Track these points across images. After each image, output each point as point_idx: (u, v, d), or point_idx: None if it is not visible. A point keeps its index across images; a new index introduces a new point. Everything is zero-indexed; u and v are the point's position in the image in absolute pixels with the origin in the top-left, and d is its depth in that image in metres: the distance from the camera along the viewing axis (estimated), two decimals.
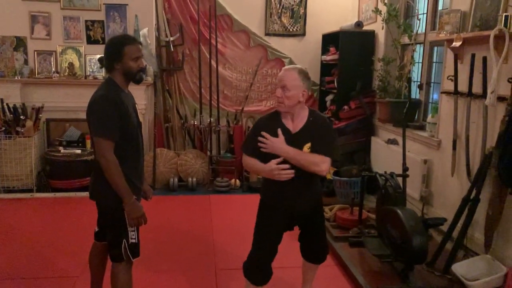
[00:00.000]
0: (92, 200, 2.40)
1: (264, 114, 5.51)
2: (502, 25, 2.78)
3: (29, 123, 4.77)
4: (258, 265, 2.43)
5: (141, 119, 5.09)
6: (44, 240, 3.68)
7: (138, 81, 2.35)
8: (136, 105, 2.49)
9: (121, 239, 2.30)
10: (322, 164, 2.26)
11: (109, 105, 2.18)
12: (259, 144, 2.29)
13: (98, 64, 4.92)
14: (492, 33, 2.77)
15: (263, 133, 2.29)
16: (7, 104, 4.79)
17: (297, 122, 2.34)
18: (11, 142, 4.72)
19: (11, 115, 4.77)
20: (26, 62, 5.07)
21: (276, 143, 2.27)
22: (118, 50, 2.25)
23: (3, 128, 4.71)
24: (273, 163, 2.26)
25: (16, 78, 4.97)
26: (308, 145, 2.30)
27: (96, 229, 2.59)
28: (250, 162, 2.36)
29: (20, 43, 5.05)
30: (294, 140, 2.29)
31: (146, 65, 4.99)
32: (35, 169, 4.85)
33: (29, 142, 4.77)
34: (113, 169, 2.17)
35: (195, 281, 3.10)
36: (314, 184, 2.45)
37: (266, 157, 2.30)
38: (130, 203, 2.21)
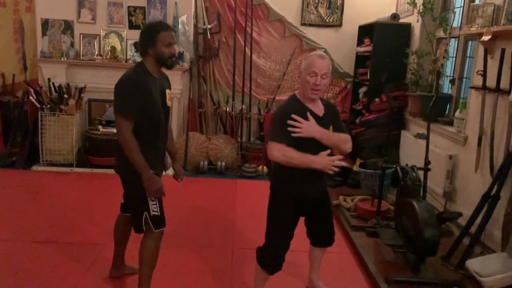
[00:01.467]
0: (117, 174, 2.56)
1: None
2: None
3: (72, 102, 5.08)
4: (274, 255, 2.46)
5: (176, 103, 5.43)
6: (79, 211, 3.95)
7: (169, 67, 2.47)
8: (168, 90, 2.57)
9: (143, 211, 2.44)
10: (349, 142, 2.44)
11: (130, 86, 2.32)
12: (290, 129, 2.28)
13: (134, 49, 5.13)
14: None
15: (295, 117, 2.28)
16: (53, 83, 5.13)
17: (318, 106, 2.43)
18: (55, 119, 5.05)
19: (56, 94, 5.10)
20: (72, 44, 5.39)
21: (312, 125, 2.31)
22: (152, 36, 2.36)
23: (49, 106, 5.04)
24: (324, 155, 2.32)
25: (62, 59, 5.30)
26: (331, 127, 2.42)
27: (122, 201, 2.78)
28: (288, 153, 2.27)
29: (67, 27, 5.37)
30: (322, 123, 2.37)
31: (178, 52, 5.22)
32: (76, 146, 5.17)
33: (71, 119, 5.08)
34: (130, 144, 2.31)
35: (212, 257, 3.26)
36: (322, 171, 2.47)
37: (298, 145, 2.29)
38: (147, 177, 2.34)
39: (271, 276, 2.54)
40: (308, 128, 2.30)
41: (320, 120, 2.37)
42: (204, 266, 3.09)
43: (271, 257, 2.47)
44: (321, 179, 2.53)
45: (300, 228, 2.65)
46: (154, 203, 2.46)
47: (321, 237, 2.72)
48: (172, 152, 2.81)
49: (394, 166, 3.55)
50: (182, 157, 5.42)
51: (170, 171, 5.30)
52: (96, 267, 3.00)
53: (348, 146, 2.44)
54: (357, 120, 5.45)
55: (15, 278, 2.82)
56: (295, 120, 2.29)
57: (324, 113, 2.43)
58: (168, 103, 2.56)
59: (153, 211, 2.45)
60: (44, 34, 5.35)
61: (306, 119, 2.32)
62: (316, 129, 2.32)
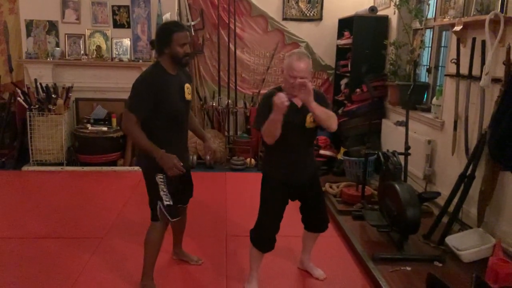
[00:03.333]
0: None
1: None
2: (498, 10, 2.91)
3: (60, 102, 5.14)
4: (264, 233, 2.64)
5: None
6: (72, 207, 4.05)
7: (184, 65, 2.60)
8: (188, 85, 2.64)
9: (156, 200, 2.57)
10: (336, 119, 2.54)
11: (144, 85, 2.44)
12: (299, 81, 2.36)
13: (150, 47, 5.16)
14: (487, 17, 2.92)
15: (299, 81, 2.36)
16: (40, 84, 5.18)
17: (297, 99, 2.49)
18: (44, 119, 5.11)
19: (44, 94, 5.15)
20: (57, 44, 5.44)
21: (306, 92, 2.35)
22: (168, 36, 2.48)
23: (37, 106, 5.09)
24: (174, 157, 2.41)
25: (48, 59, 5.35)
26: (310, 114, 2.47)
27: None
28: (264, 127, 2.40)
29: (52, 27, 5.41)
30: (300, 112, 2.49)
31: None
32: (65, 145, 5.23)
33: (59, 119, 5.14)
34: (137, 134, 2.45)
35: (207, 245, 3.40)
36: (308, 157, 2.66)
37: (282, 134, 2.41)
38: (160, 156, 2.43)
39: (266, 258, 2.70)
40: (309, 91, 2.34)
41: (299, 110, 2.48)
42: (200, 254, 3.22)
43: (261, 236, 2.65)
44: (305, 166, 2.64)
45: (292, 214, 2.81)
46: (166, 194, 2.56)
47: (313, 223, 2.84)
48: (201, 133, 2.92)
49: (376, 153, 3.73)
50: None
51: None
52: (95, 259, 3.11)
53: (334, 122, 2.51)
54: (340, 111, 5.63)
55: (18, 272, 2.92)
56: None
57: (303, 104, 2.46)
58: (188, 97, 2.65)
59: (166, 201, 2.57)
60: (28, 35, 5.38)
61: (294, 107, 2.46)
62: (311, 97, 2.36)
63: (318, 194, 2.79)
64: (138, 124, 2.45)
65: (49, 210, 3.99)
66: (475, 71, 3.35)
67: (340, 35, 5.73)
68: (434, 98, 4.07)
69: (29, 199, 4.26)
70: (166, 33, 2.50)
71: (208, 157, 2.95)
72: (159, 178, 2.53)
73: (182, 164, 2.47)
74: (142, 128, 2.47)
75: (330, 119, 2.49)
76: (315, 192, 2.76)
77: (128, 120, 2.46)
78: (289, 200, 2.73)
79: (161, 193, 2.56)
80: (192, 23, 5.70)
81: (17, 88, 5.23)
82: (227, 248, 3.36)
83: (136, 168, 4.88)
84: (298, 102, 2.50)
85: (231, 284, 2.88)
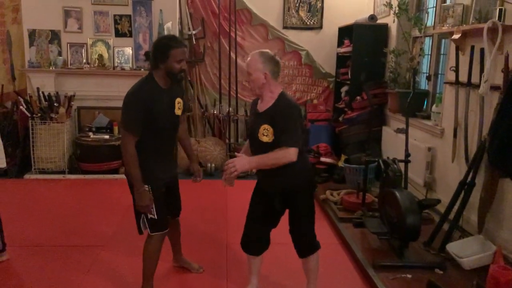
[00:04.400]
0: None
1: None
2: (496, 18, 2.94)
3: (62, 110, 5.17)
4: (245, 235, 2.69)
5: None
6: (74, 216, 4.06)
7: (178, 81, 2.57)
8: (179, 99, 2.63)
9: (140, 213, 2.58)
10: (286, 156, 2.31)
11: (137, 102, 2.42)
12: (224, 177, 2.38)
13: (145, 58, 5.21)
14: (486, 25, 2.94)
15: (227, 163, 2.35)
16: (42, 92, 5.22)
17: (264, 103, 2.43)
18: (46, 127, 5.14)
19: (46, 103, 5.19)
20: (59, 53, 5.48)
21: (241, 160, 2.33)
22: (165, 52, 2.43)
23: (39, 114, 5.13)
24: (148, 198, 2.51)
25: (50, 68, 5.39)
26: (264, 126, 2.37)
27: None
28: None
29: (54, 36, 5.47)
30: (258, 119, 2.43)
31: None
32: (67, 153, 5.26)
33: (61, 127, 5.17)
34: (130, 160, 2.45)
35: (208, 253, 3.41)
36: (280, 168, 2.37)
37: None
38: (139, 192, 2.47)
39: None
40: (238, 165, 2.30)
41: (257, 116, 2.46)
42: (200, 261, 3.22)
43: (243, 238, 2.70)
44: (271, 176, 2.47)
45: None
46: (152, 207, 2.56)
47: (294, 241, 2.62)
48: (189, 153, 2.98)
49: (377, 160, 3.74)
50: None
51: None
52: (96, 267, 3.12)
53: (287, 160, 2.31)
54: (340, 118, 5.66)
55: (18, 281, 2.93)
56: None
57: (265, 110, 2.41)
58: (178, 112, 2.64)
59: (150, 214, 2.57)
60: (31, 44, 5.44)
61: (256, 111, 2.48)
62: (244, 163, 2.32)
63: (295, 214, 2.58)
64: (134, 143, 2.44)
65: (51, 218, 4.00)
66: (474, 79, 3.37)
67: (340, 43, 5.77)
68: (434, 106, 4.09)
69: (31, 207, 4.28)
70: (164, 48, 2.45)
71: (198, 180, 2.97)
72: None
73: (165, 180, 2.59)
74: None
75: (276, 163, 2.32)
76: (293, 211, 2.58)
77: (125, 141, 2.45)
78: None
79: None
80: (193, 32, 5.75)
81: (19, 97, 5.27)
82: (228, 256, 3.37)
83: None
84: (260, 108, 2.46)
85: None
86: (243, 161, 2.33)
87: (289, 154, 2.31)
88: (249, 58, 2.42)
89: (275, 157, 2.32)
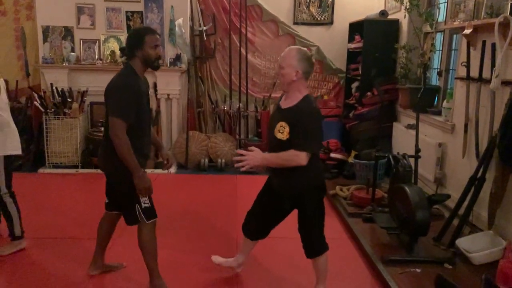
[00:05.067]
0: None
1: None
2: (508, 13, 2.92)
3: (75, 105, 5.25)
4: (246, 219, 2.85)
5: (175, 103, 5.63)
6: (86, 209, 4.13)
7: (156, 67, 2.60)
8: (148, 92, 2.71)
9: (134, 204, 2.57)
10: (296, 159, 2.33)
11: (128, 90, 2.44)
12: (236, 164, 2.41)
13: (120, 54, 5.26)
14: (497, 20, 2.93)
15: (239, 152, 2.44)
16: (56, 88, 5.30)
17: (289, 101, 2.44)
18: (59, 122, 5.23)
19: (59, 98, 5.27)
20: (72, 50, 5.56)
21: (256, 155, 2.38)
22: (140, 38, 2.49)
23: (53, 110, 5.21)
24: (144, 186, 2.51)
25: (64, 64, 5.47)
26: (282, 123, 2.38)
27: (106, 201, 2.87)
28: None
29: (67, 33, 5.54)
30: (278, 115, 2.45)
31: (176, 54, 5.43)
32: (80, 148, 5.34)
33: (75, 122, 5.25)
34: (125, 147, 2.44)
35: (218, 247, 3.43)
36: (292, 172, 2.42)
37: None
38: (139, 176, 2.48)
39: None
40: (251, 159, 2.36)
41: (279, 112, 2.47)
42: (210, 255, 3.24)
43: (244, 226, 2.88)
44: (278, 177, 2.55)
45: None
46: (144, 196, 2.59)
47: (302, 243, 2.63)
48: (157, 142, 2.98)
49: (387, 155, 3.75)
50: (183, 155, 5.60)
51: (173, 169, 5.51)
52: (108, 259, 3.15)
53: (296, 163, 2.34)
54: (351, 114, 5.65)
55: (31, 272, 3.01)
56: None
57: (287, 108, 2.43)
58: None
59: (144, 203, 2.59)
60: (45, 40, 5.52)
61: (279, 106, 2.50)
62: (258, 158, 2.37)
63: (304, 216, 2.59)
64: (125, 130, 2.43)
65: (63, 211, 4.08)
66: (485, 74, 3.35)
67: (351, 39, 5.76)
68: (445, 101, 4.08)
69: (44, 200, 4.36)
70: (138, 35, 2.51)
71: (166, 163, 2.92)
72: None
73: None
74: None
75: (286, 163, 2.37)
76: (302, 213, 2.60)
77: (118, 128, 2.41)
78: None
79: (140, 195, 2.56)
80: (204, 28, 5.78)
81: (33, 92, 5.36)
82: (238, 251, 3.39)
83: (150, 170, 4.98)
84: (284, 104, 2.48)
85: (243, 287, 2.90)
86: (257, 157, 2.38)
87: (299, 157, 2.32)
88: (285, 51, 2.42)
89: (285, 158, 2.35)
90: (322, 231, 2.63)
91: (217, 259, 3.01)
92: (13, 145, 3.18)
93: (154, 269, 2.70)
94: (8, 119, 3.16)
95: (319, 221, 2.60)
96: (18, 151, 3.24)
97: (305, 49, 2.47)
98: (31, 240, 3.44)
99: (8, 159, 3.17)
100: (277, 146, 2.40)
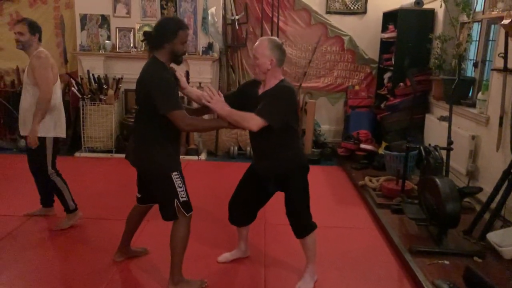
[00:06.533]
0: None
1: (321, 91, 5.73)
2: None
3: (110, 92, 5.41)
4: (229, 210, 2.91)
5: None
6: (119, 192, 4.27)
7: (179, 63, 2.54)
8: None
9: (173, 199, 2.53)
10: (251, 120, 2.41)
11: (170, 81, 2.45)
12: (204, 99, 2.50)
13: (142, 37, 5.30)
14: None
15: (209, 87, 2.59)
16: (92, 75, 5.47)
17: (266, 88, 2.54)
18: (95, 108, 5.40)
19: (96, 85, 5.44)
20: (108, 38, 5.71)
21: (218, 101, 2.47)
22: (173, 32, 2.43)
23: (89, 96, 5.39)
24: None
25: (100, 52, 5.63)
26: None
27: (139, 195, 2.85)
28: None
29: (104, 21, 5.69)
30: (257, 102, 2.49)
31: (208, 42, 5.50)
32: (114, 133, 5.51)
33: (110, 109, 5.42)
34: (199, 125, 2.58)
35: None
36: (275, 152, 2.56)
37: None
38: (223, 124, 2.52)
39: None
40: (214, 103, 2.47)
41: (256, 99, 2.52)
42: (230, 242, 3.28)
43: (230, 217, 2.95)
44: (268, 158, 2.61)
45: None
46: (182, 189, 2.56)
47: (291, 225, 2.71)
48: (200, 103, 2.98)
49: (418, 147, 3.71)
50: (213, 143, 5.69)
51: (203, 156, 5.61)
52: (140, 242, 3.25)
53: (248, 124, 2.42)
54: (382, 105, 5.60)
55: (63, 249, 3.17)
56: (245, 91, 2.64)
57: (263, 93, 2.53)
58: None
59: (182, 197, 2.55)
60: (82, 28, 5.69)
61: (255, 94, 2.56)
62: (218, 106, 2.46)
63: (290, 196, 2.67)
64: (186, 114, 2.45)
65: (97, 193, 4.25)
66: None
67: (384, 29, 5.69)
68: (480, 93, 3.99)
69: (80, 183, 4.52)
70: (172, 29, 2.44)
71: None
72: (175, 175, 2.53)
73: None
74: (153, 124, 2.47)
75: (240, 122, 2.44)
76: (288, 193, 2.67)
77: (180, 118, 2.40)
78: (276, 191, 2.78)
79: (178, 189, 2.53)
80: (236, 17, 5.82)
81: (71, 79, 5.54)
82: (266, 237, 3.46)
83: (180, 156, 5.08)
84: (261, 91, 2.56)
85: (269, 272, 2.95)
86: (219, 104, 2.47)
87: (253, 121, 2.40)
88: (257, 43, 2.53)
89: (242, 116, 2.44)
90: (309, 209, 2.71)
91: (223, 256, 3.06)
92: (61, 129, 3.42)
93: (178, 265, 2.65)
94: (59, 104, 3.37)
95: (305, 198, 2.68)
96: (64, 135, 3.47)
97: (275, 38, 2.59)
98: (63, 220, 3.59)
99: (56, 141, 3.38)
100: (259, 132, 2.44)
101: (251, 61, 6.00)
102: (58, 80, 3.37)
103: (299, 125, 2.64)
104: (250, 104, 2.53)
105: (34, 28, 3.23)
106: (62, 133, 3.43)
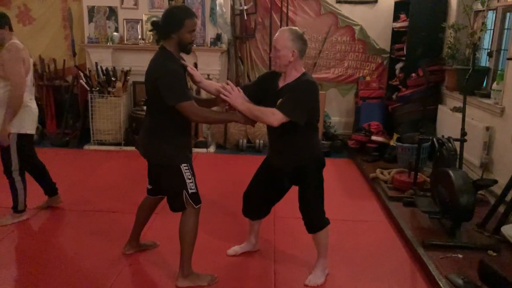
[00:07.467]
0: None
1: (331, 82, 5.65)
2: None
3: (118, 84, 5.38)
4: (244, 202, 2.87)
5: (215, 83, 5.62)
6: (128, 185, 4.26)
7: (188, 51, 2.50)
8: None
9: (181, 190, 2.52)
10: (271, 116, 2.36)
11: (178, 73, 2.40)
12: (222, 94, 2.47)
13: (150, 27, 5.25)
14: None
15: (228, 82, 2.54)
16: (100, 67, 5.45)
17: (286, 81, 2.49)
18: (104, 101, 5.38)
19: (104, 77, 5.42)
20: (116, 29, 5.68)
21: (238, 96, 2.44)
22: (180, 21, 2.38)
23: (97, 88, 5.37)
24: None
25: (108, 44, 5.60)
26: (279, 101, 2.43)
27: (149, 187, 2.84)
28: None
29: (111, 13, 5.66)
30: (277, 95, 2.46)
31: (216, 33, 5.45)
32: (123, 126, 5.49)
33: (118, 101, 5.39)
34: (206, 115, 2.50)
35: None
36: (293, 146, 2.54)
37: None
38: (239, 117, 2.49)
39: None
40: (234, 98, 2.44)
41: (276, 93, 2.49)
42: (239, 234, 3.26)
43: (244, 211, 2.91)
44: (280, 153, 2.62)
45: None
46: (191, 181, 2.55)
47: (304, 219, 2.68)
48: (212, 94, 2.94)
49: (430, 139, 3.64)
50: (222, 135, 5.66)
51: (212, 149, 5.59)
52: (149, 235, 3.25)
53: (268, 119, 2.37)
54: (394, 96, 5.51)
55: (75, 240, 3.17)
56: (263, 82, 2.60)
57: (283, 86, 2.49)
58: (190, 84, 2.71)
59: (191, 189, 2.54)
60: (90, 20, 5.66)
61: (275, 87, 2.51)
62: (238, 101, 2.42)
63: (305, 190, 2.64)
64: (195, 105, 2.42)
65: (106, 186, 4.23)
66: None
67: (396, 18, 5.58)
68: (495, 83, 3.89)
69: (89, 176, 4.54)
70: (179, 18, 2.40)
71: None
72: (184, 166, 2.52)
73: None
74: (162, 116, 2.45)
75: (260, 117, 2.40)
76: (303, 187, 2.65)
77: (189, 109, 2.39)
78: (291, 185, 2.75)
79: (187, 181, 2.52)
80: (245, 7, 5.74)
81: (79, 71, 5.53)
82: (275, 230, 3.42)
83: None
84: (281, 84, 2.52)
85: (279, 266, 2.91)
86: (238, 99, 2.43)
87: (274, 116, 2.36)
88: (278, 34, 2.45)
89: (262, 112, 2.40)
90: (323, 205, 2.66)
91: (232, 250, 3.03)
92: (30, 125, 3.29)
93: (187, 259, 2.63)
94: (28, 100, 3.25)
95: (320, 193, 2.64)
96: (33, 131, 3.35)
97: (296, 28, 2.50)
98: (73, 212, 3.61)
99: (25, 138, 3.28)
100: (276, 128, 2.39)
101: (260, 52, 5.96)
102: (30, 74, 3.26)
103: (319, 121, 2.57)
104: (270, 96, 2.50)
105: (0, 21, 3.13)
106: (30, 129, 3.29)
